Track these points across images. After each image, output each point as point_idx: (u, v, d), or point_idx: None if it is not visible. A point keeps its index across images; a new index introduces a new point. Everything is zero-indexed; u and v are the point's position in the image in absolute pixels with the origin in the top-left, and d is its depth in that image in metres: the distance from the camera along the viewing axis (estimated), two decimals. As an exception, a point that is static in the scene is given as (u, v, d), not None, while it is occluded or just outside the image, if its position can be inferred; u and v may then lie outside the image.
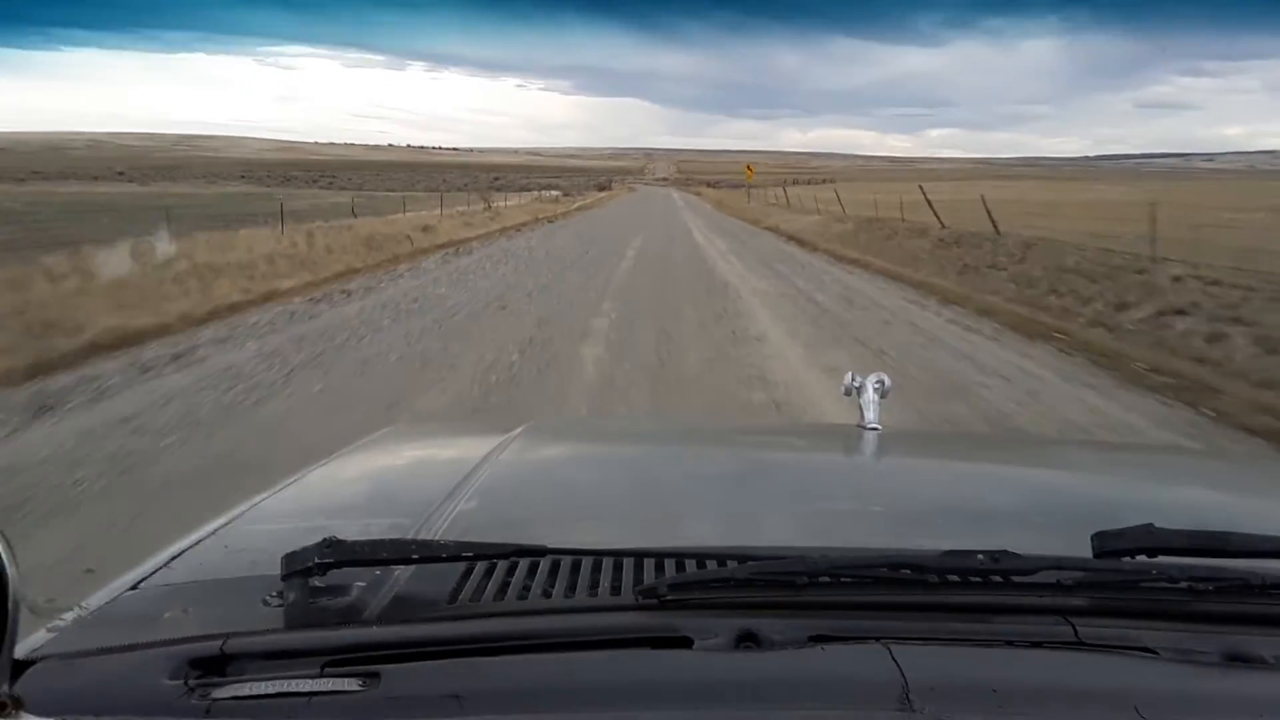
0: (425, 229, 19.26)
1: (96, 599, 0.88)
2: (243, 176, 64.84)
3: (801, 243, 20.09)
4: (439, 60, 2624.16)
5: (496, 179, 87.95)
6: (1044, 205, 28.53)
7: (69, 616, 0.82)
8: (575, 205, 45.01)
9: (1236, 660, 0.71)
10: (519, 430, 1.54)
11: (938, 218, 17.37)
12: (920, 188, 19.15)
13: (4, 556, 0.59)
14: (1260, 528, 0.87)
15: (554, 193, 53.98)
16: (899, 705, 0.64)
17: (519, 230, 24.60)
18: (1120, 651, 0.72)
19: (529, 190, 55.36)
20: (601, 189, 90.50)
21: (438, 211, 25.51)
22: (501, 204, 34.41)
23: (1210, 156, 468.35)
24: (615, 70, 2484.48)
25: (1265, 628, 0.76)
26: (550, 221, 30.30)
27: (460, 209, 28.21)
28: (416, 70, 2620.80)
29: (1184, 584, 0.77)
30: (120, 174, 62.24)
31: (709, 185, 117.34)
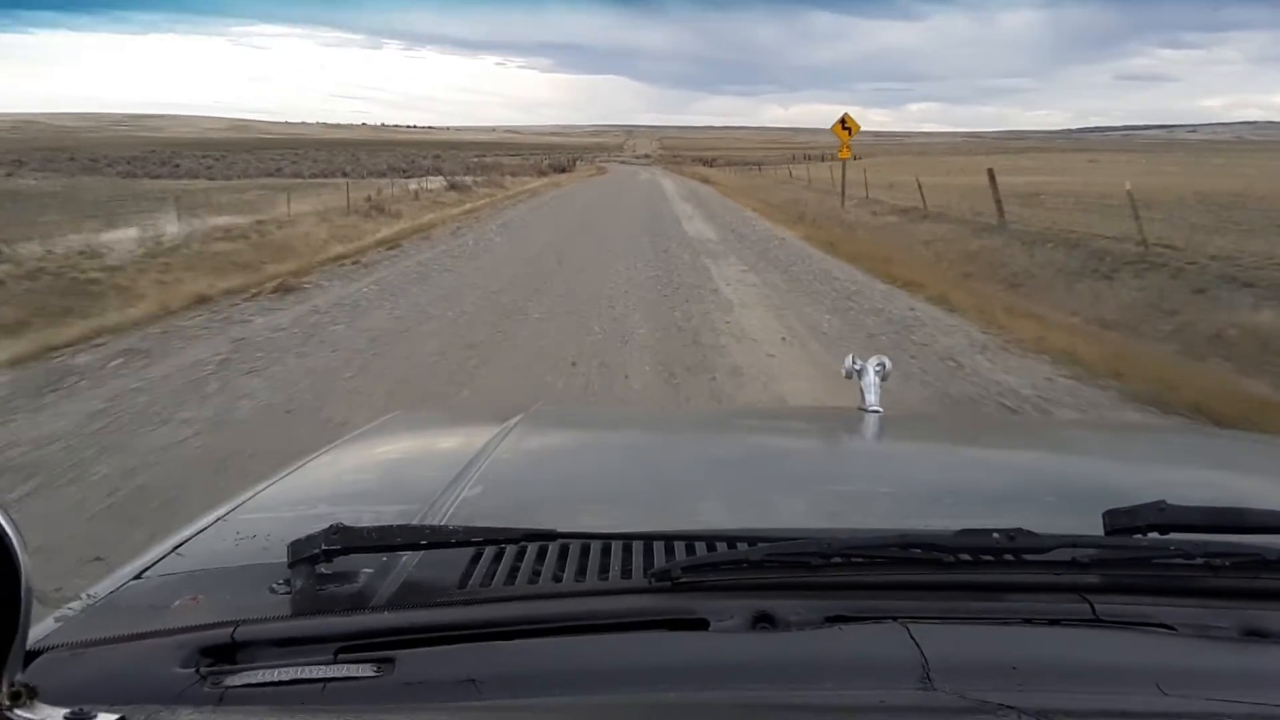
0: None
1: (103, 587, 0.86)
2: (129, 161, 55.47)
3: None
4: (416, 39, 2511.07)
5: (438, 156, 74.54)
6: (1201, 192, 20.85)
7: (77, 605, 0.81)
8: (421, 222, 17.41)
9: (1254, 635, 0.71)
10: (520, 417, 1.49)
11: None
12: (990, 172, 14.22)
13: (15, 544, 0.58)
14: (1274, 503, 0.86)
15: (438, 182, 28.00)
16: (919, 683, 0.63)
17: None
18: (1138, 628, 0.71)
19: (437, 175, 34.57)
20: (559, 170, 62.30)
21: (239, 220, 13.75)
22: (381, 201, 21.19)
23: (1194, 128, 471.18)
24: (595, 47, 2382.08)
25: None
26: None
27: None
28: (393, 49, 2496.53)
29: (1200, 560, 0.77)
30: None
31: (705, 164, 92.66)
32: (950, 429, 2.04)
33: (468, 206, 21.95)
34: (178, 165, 54.38)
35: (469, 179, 32.27)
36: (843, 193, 20.44)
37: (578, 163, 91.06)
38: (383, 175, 39.53)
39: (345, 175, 37.43)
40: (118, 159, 59.73)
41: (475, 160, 67.71)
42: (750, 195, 28.52)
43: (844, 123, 19.16)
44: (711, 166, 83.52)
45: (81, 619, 0.79)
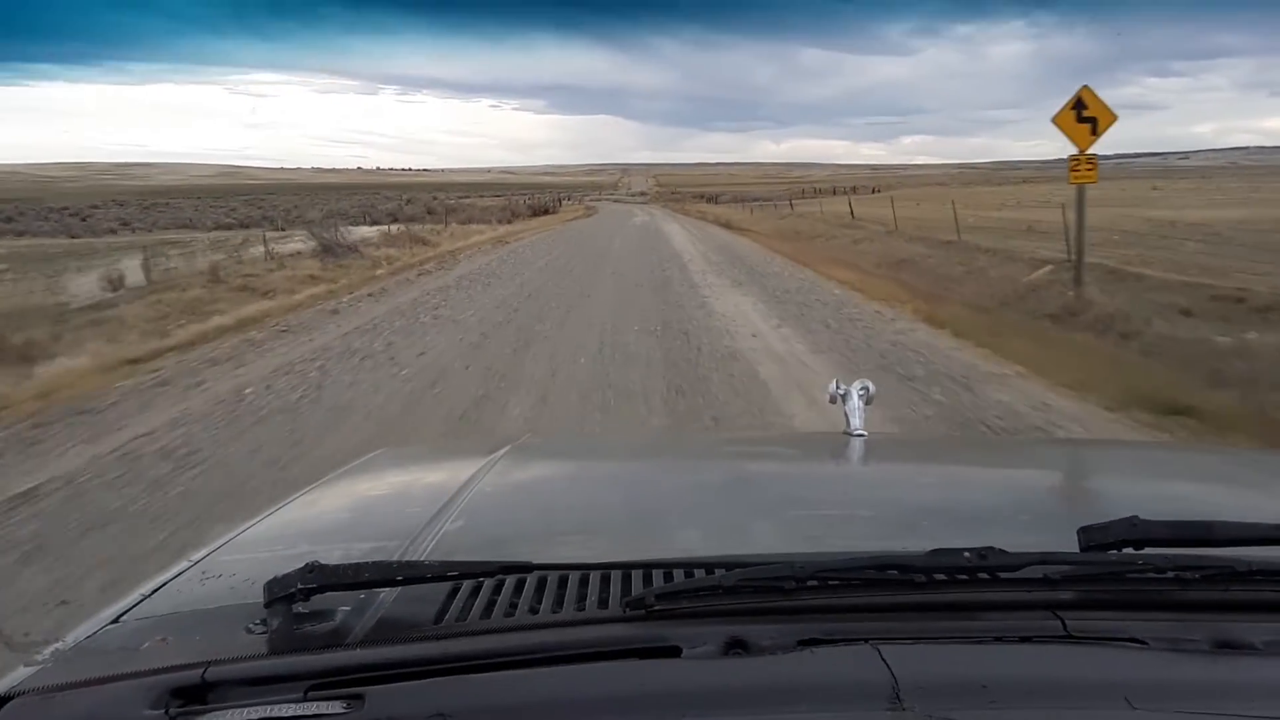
0: None
1: (76, 633, 0.86)
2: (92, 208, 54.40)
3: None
4: (411, 84, 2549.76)
5: (409, 200, 66.51)
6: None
7: (47, 651, 0.81)
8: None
9: (1226, 647, 0.71)
10: (504, 450, 1.52)
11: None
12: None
13: None
14: (1245, 517, 0.87)
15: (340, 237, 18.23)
16: (890, 705, 0.63)
17: None
18: (1109, 643, 0.71)
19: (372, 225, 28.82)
20: (540, 212, 51.82)
21: None
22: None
23: (1185, 155, 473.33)
24: (588, 88, 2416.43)
25: (1253, 614, 0.76)
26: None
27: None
28: (389, 94, 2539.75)
29: (1170, 573, 0.77)
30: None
31: (708, 200, 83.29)
32: (933, 450, 2.04)
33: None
34: (47, 219, 47.44)
35: (376, 231, 24.16)
36: (1078, 256, 9.51)
37: (564, 202, 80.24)
38: (279, 227, 31.70)
39: (239, 226, 30.55)
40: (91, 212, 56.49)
41: (441, 202, 58.97)
42: (830, 256, 16.69)
43: (1082, 108, 8.89)
44: (716, 203, 74.32)
45: (52, 665, 0.78)
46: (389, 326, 9.57)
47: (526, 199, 69.74)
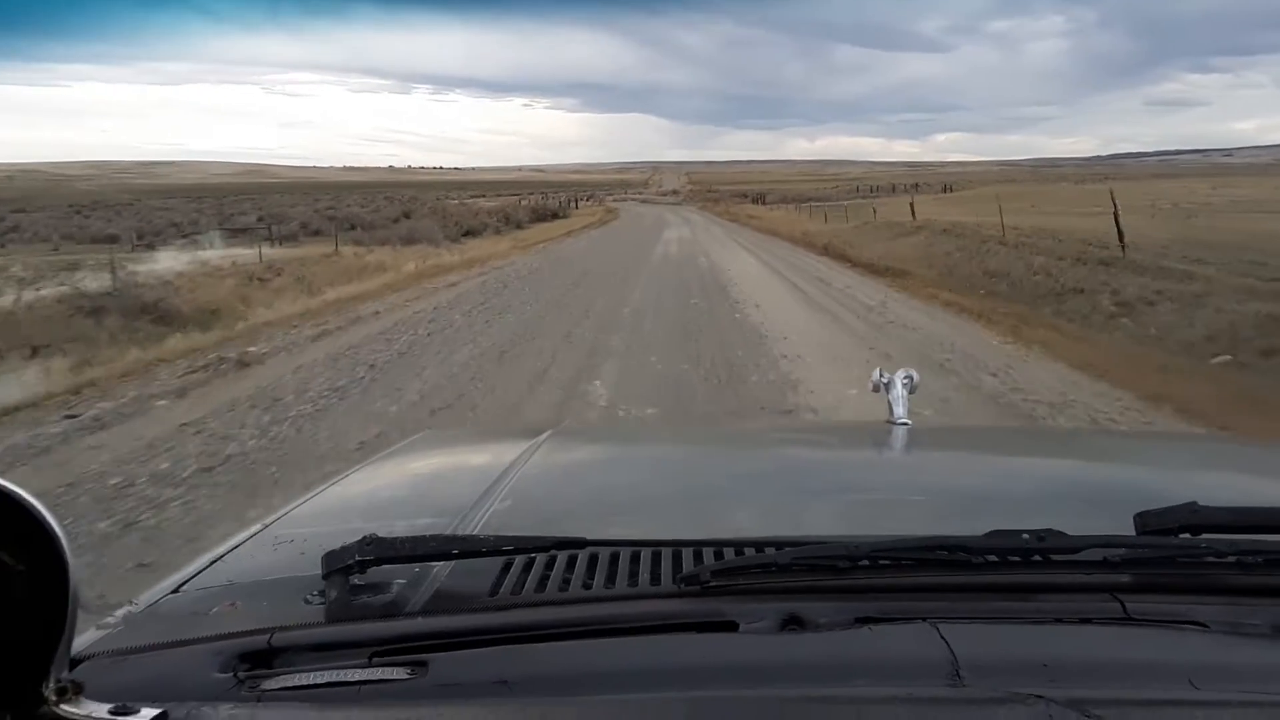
0: None
1: (145, 598, 0.88)
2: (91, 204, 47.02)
3: None
4: (444, 83, 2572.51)
5: (415, 198, 59.71)
6: None
7: (119, 614, 0.83)
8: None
9: None
10: (547, 434, 1.51)
11: None
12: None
13: (64, 546, 0.61)
14: None
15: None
16: (949, 680, 0.64)
17: None
18: (1170, 625, 0.71)
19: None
20: (547, 216, 41.16)
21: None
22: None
23: (1229, 152, 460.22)
24: (620, 86, 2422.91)
25: None
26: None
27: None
28: (423, 93, 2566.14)
29: (1232, 558, 0.77)
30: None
31: (754, 200, 70.23)
32: (978, 439, 2.01)
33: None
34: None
35: (231, 259, 15.71)
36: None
37: (581, 203, 67.33)
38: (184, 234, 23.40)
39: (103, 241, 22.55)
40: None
41: (436, 201, 50.93)
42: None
43: None
44: (764, 204, 62.64)
45: (123, 628, 0.80)
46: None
47: (530, 200, 58.47)
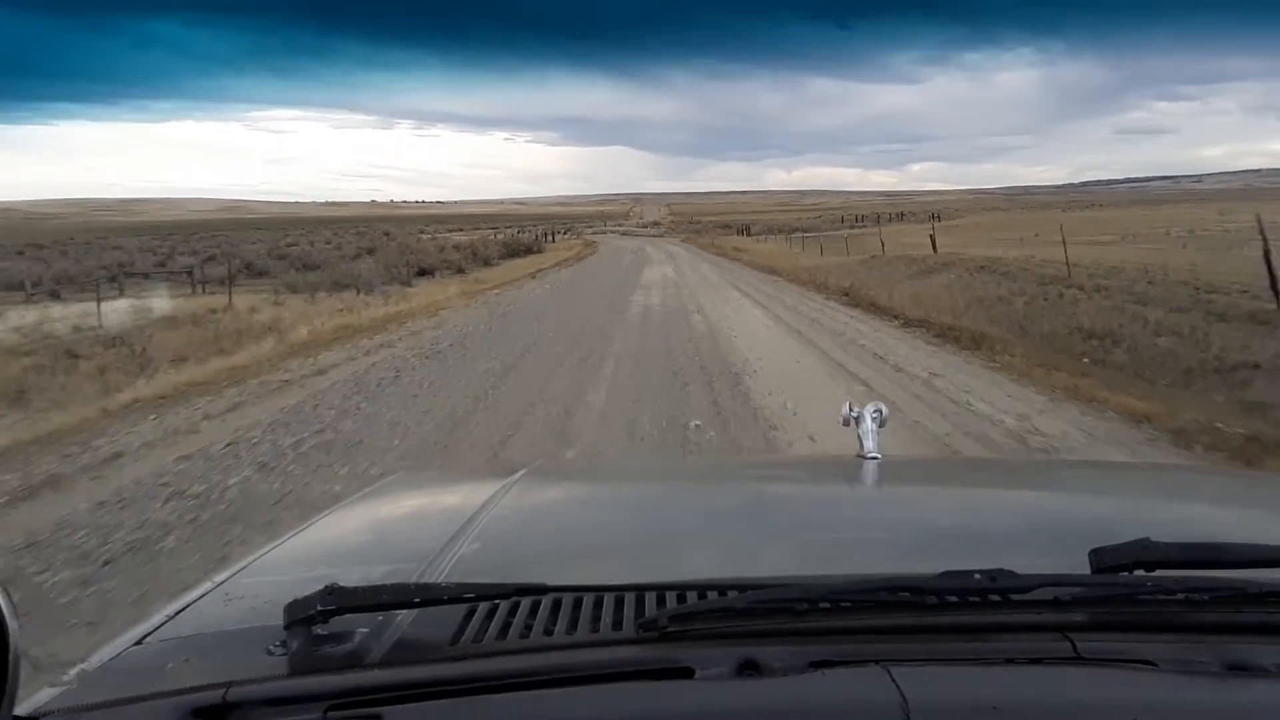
0: None
1: (100, 655, 0.86)
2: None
3: None
4: (426, 118, 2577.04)
5: (388, 233, 57.67)
6: None
7: (73, 673, 0.81)
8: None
9: (1236, 669, 0.71)
10: (519, 474, 1.52)
11: None
12: None
13: (4, 610, 0.59)
14: (1256, 539, 0.86)
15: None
16: None
17: None
18: (1120, 665, 0.71)
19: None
20: (520, 251, 38.32)
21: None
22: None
23: (1198, 178, 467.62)
24: (601, 120, 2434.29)
25: (1264, 636, 0.76)
26: None
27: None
28: (405, 129, 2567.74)
29: (1181, 595, 0.77)
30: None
31: (739, 231, 67.16)
32: (946, 472, 2.01)
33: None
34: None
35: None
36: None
37: (557, 235, 64.69)
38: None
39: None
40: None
41: (405, 237, 48.12)
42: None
43: None
44: (750, 235, 59.53)
45: (76, 686, 0.79)
46: None
47: (504, 234, 55.73)
